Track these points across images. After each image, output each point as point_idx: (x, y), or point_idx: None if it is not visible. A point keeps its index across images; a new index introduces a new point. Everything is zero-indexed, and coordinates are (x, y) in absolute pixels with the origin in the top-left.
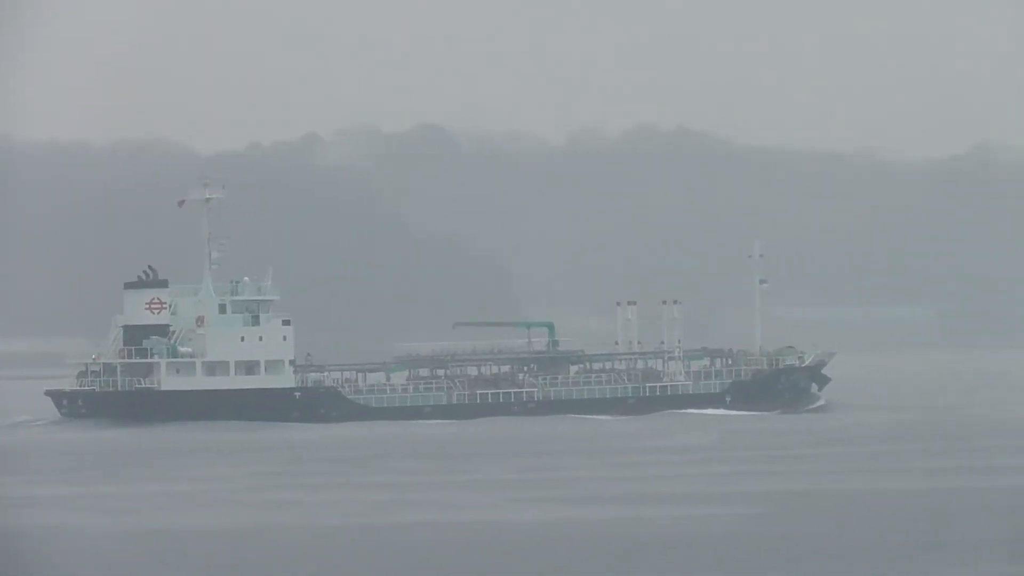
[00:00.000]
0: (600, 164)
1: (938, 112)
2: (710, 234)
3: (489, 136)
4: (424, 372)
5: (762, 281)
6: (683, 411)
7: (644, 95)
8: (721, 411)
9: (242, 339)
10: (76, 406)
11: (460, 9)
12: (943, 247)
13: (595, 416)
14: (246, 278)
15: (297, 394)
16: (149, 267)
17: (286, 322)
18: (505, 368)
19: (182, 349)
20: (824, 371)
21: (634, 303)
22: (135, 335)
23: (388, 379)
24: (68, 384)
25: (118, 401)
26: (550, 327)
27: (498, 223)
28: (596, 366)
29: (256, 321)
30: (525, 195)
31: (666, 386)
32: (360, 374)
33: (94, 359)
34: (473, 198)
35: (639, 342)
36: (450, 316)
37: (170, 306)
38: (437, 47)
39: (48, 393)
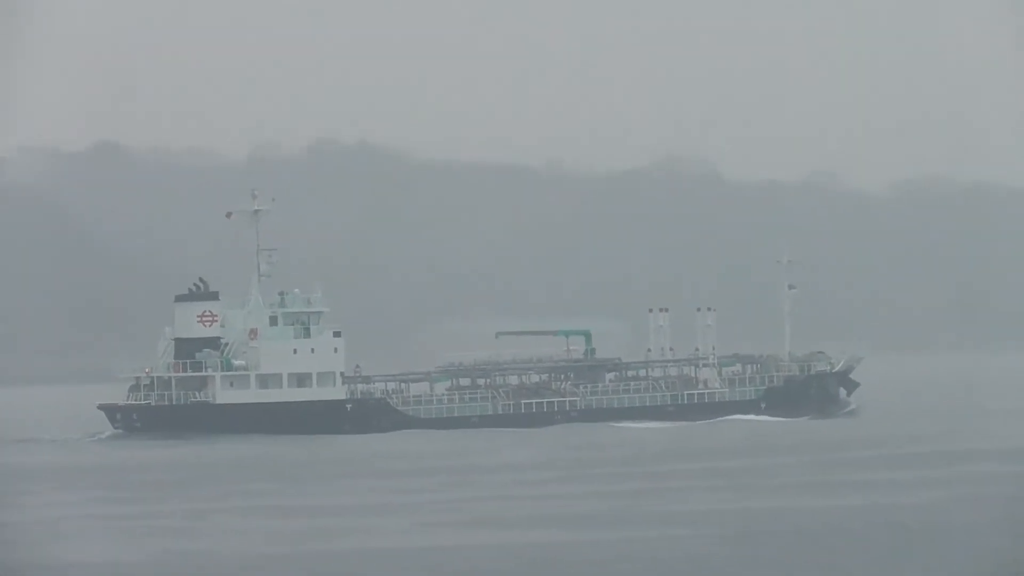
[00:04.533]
0: (282, 178)
1: (623, 124)
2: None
3: (168, 152)
4: (466, 382)
5: (791, 287)
6: (723, 418)
7: (326, 109)
8: (758, 417)
9: (294, 351)
10: (131, 420)
11: (133, 23)
12: (632, 258)
13: (637, 424)
14: (296, 290)
15: (348, 406)
16: (200, 279)
17: (337, 334)
18: (544, 377)
19: (236, 362)
20: (852, 376)
21: (666, 310)
22: (187, 348)
23: (432, 389)
24: (120, 398)
25: (173, 415)
26: (587, 335)
27: (188, 242)
28: (630, 373)
29: (307, 333)
30: (209, 212)
31: (703, 393)
32: (404, 384)
33: (146, 372)
34: (161, 216)
35: (672, 348)
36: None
37: (220, 318)
38: (114, 64)
39: (101, 407)
